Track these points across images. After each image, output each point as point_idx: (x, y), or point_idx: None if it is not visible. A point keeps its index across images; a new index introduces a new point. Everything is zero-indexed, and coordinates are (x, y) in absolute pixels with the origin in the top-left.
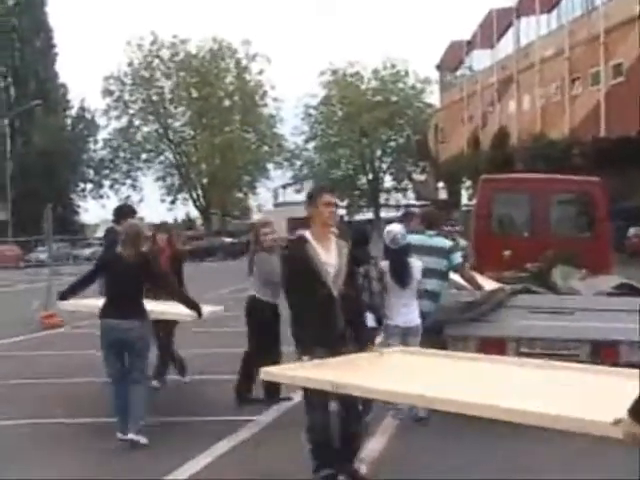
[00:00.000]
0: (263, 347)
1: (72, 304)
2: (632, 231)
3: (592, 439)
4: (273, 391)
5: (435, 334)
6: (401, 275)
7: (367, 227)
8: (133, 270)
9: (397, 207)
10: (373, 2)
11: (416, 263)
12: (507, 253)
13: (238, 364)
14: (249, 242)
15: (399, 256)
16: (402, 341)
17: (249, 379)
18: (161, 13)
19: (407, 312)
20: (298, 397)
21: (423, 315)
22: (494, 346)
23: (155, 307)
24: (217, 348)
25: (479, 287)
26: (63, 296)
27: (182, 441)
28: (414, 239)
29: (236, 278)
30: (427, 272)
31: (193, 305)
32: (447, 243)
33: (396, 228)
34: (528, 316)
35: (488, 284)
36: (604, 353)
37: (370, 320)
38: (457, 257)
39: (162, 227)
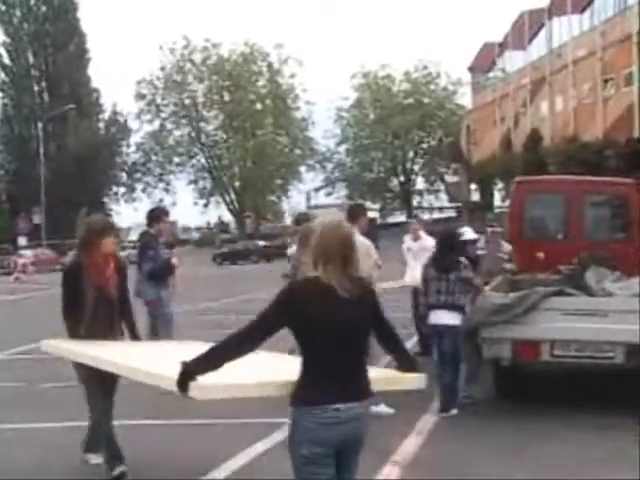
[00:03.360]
0: None
1: None
2: None
3: None
4: None
5: (470, 337)
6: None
7: (455, 232)
8: None
9: (430, 209)
10: (406, 4)
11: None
12: (540, 255)
13: None
14: (284, 245)
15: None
16: None
17: None
18: (193, 17)
19: None
20: None
21: None
22: (528, 348)
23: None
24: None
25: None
26: None
27: (222, 441)
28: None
29: (271, 281)
30: None
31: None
32: None
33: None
34: (562, 318)
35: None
36: (638, 356)
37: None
38: None
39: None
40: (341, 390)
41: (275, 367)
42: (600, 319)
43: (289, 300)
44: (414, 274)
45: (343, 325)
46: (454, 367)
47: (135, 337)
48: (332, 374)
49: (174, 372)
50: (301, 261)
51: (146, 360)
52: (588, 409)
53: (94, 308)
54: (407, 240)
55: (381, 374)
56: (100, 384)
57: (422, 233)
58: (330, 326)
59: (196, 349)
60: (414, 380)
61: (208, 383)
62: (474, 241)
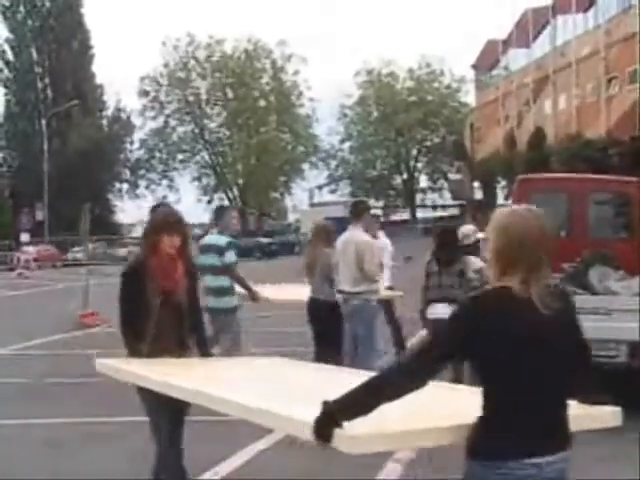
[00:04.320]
0: (325, 347)
1: None
2: None
3: None
4: None
5: None
6: None
7: (455, 228)
8: None
9: (434, 207)
10: (409, 1)
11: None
12: None
13: None
14: (294, 243)
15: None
16: None
17: None
18: (197, 14)
19: None
20: None
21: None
22: None
23: None
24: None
25: (248, 288)
26: None
27: (222, 439)
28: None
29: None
30: (203, 269)
31: None
32: (224, 241)
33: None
34: None
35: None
36: None
37: None
38: (231, 255)
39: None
40: (543, 438)
41: (432, 402)
42: (603, 317)
43: (475, 318)
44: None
45: (547, 351)
46: None
47: (206, 353)
48: (532, 417)
49: (299, 412)
50: (316, 258)
51: (239, 388)
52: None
53: (160, 317)
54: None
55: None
56: (168, 412)
57: (381, 233)
58: (532, 353)
59: (286, 373)
60: (611, 416)
61: (360, 432)
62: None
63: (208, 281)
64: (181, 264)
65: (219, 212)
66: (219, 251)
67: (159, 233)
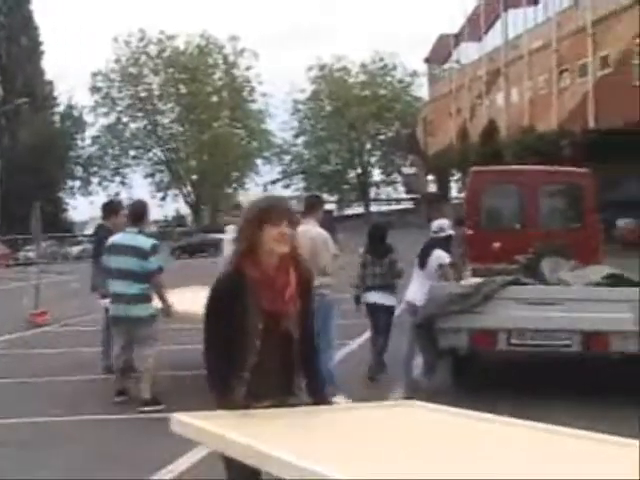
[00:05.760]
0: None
1: None
2: (621, 222)
3: None
4: None
5: (426, 327)
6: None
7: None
8: None
9: (388, 201)
10: None
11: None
12: (496, 245)
13: None
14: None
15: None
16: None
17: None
18: (148, 9)
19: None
20: None
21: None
22: (485, 338)
23: None
24: None
25: (165, 300)
26: None
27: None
28: (117, 238)
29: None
30: (118, 273)
31: None
32: (148, 243)
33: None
34: (518, 307)
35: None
36: (594, 343)
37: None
38: (156, 261)
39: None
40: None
41: None
42: (556, 308)
43: None
44: None
45: None
46: (385, 337)
47: (321, 401)
48: None
49: None
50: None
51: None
52: (546, 397)
53: (262, 351)
54: (231, 231)
55: None
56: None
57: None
58: None
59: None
60: None
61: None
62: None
63: (118, 287)
64: (293, 272)
65: (136, 208)
66: (141, 255)
67: (261, 225)
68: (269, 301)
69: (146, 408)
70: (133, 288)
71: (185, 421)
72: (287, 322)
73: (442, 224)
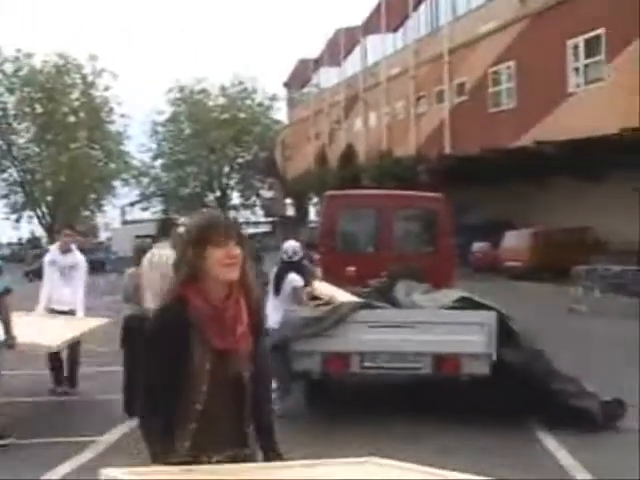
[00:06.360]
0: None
1: None
2: (475, 246)
3: None
4: None
5: (281, 351)
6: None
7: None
8: None
9: (246, 224)
10: (221, 19)
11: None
12: (350, 269)
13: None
14: (103, 261)
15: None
16: None
17: None
18: (4, 27)
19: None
20: None
21: None
22: (338, 361)
23: None
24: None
25: (9, 329)
26: None
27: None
28: None
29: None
30: None
31: None
32: None
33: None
34: (370, 330)
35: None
36: (445, 365)
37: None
38: (2, 282)
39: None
40: None
41: None
42: (407, 330)
43: None
44: (62, 297)
45: None
46: None
47: (275, 455)
48: None
49: None
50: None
51: None
52: (401, 418)
53: (210, 395)
54: (53, 251)
55: None
56: None
57: (74, 246)
58: None
59: None
60: None
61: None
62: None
63: None
64: (243, 301)
65: None
66: None
67: (203, 247)
68: (217, 337)
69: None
70: None
71: (118, 478)
72: (238, 362)
73: (294, 247)
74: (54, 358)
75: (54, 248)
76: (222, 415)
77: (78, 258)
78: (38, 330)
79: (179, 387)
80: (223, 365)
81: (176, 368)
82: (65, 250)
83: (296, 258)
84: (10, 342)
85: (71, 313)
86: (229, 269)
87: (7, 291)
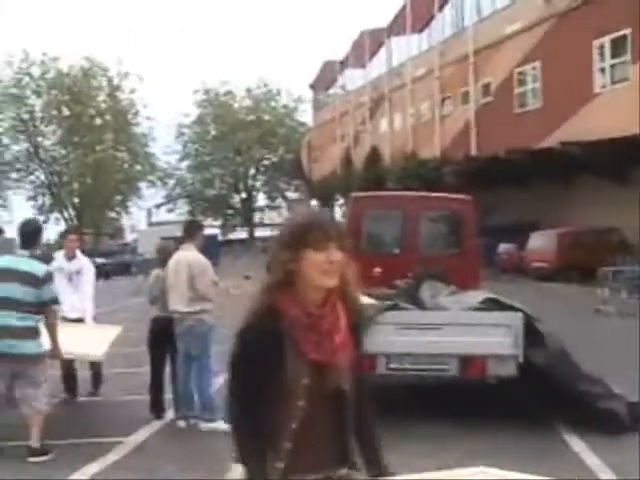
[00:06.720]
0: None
1: None
2: (502, 247)
3: None
4: None
5: None
6: None
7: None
8: None
9: (272, 225)
10: (247, 21)
11: None
12: (377, 270)
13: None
14: (129, 263)
15: None
16: None
17: None
18: (32, 31)
19: None
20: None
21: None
22: (364, 362)
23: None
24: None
25: (55, 341)
26: None
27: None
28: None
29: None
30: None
31: None
32: (41, 269)
33: None
34: (396, 332)
35: None
36: (472, 367)
37: None
38: (50, 290)
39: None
40: None
41: None
42: (433, 332)
43: None
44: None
45: None
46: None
47: (381, 472)
48: None
49: None
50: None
51: None
52: (425, 421)
53: (307, 412)
54: (59, 258)
55: None
56: None
57: (79, 252)
58: None
59: None
60: None
61: None
62: None
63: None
64: (343, 311)
65: (26, 228)
66: (32, 282)
67: (301, 250)
68: (314, 348)
69: (33, 459)
70: (22, 320)
71: None
72: (338, 374)
73: None
74: (69, 366)
75: (60, 255)
76: (320, 432)
77: (83, 263)
78: (67, 338)
79: (274, 404)
80: (321, 378)
81: (269, 383)
82: (70, 256)
83: None
84: (55, 353)
85: (82, 320)
86: (327, 275)
87: (54, 301)
